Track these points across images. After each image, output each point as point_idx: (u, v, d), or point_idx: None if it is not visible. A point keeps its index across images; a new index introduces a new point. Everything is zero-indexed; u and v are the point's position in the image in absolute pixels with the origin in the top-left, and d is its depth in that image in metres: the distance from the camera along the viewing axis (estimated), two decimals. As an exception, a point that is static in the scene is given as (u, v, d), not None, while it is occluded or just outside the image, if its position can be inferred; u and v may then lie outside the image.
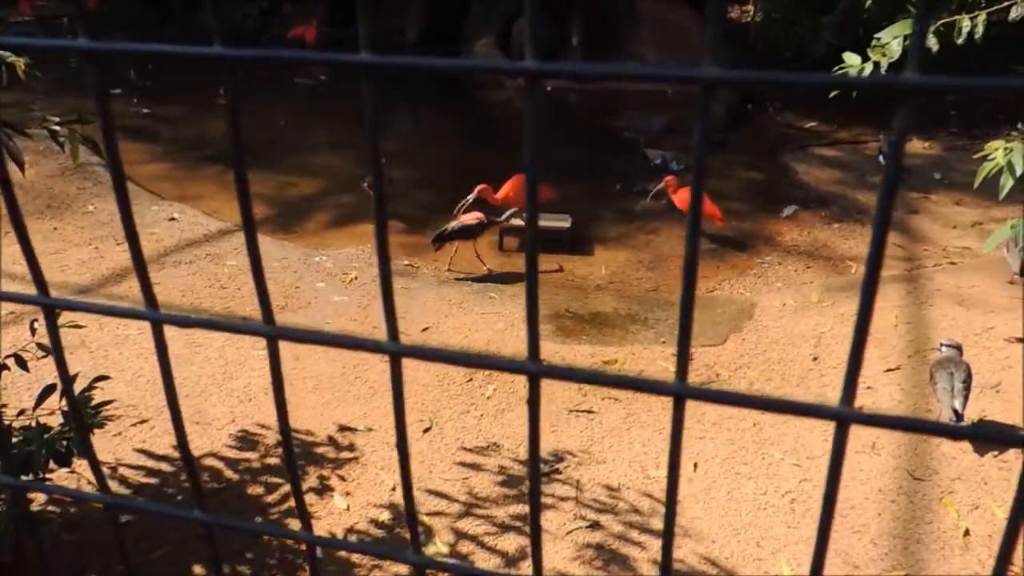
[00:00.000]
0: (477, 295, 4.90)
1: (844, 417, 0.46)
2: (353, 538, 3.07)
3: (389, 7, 8.94)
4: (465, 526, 3.15)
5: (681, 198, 5.34)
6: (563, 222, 5.43)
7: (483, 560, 3.00)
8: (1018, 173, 2.61)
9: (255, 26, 9.07)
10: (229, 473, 3.34)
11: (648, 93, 7.77)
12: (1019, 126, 2.60)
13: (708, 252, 5.43)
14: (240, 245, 5.29)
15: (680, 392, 0.52)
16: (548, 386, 4.06)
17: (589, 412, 3.84)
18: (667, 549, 0.57)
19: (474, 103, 8.41)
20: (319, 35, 8.63)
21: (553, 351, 4.33)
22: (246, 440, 3.54)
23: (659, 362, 4.24)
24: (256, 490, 3.25)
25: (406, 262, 5.23)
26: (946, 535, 3.11)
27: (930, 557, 3.02)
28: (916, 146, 6.99)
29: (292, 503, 3.24)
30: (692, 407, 3.87)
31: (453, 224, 5.04)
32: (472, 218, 5.04)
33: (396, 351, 0.55)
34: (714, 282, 5.09)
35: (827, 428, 3.69)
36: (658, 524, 3.19)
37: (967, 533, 3.12)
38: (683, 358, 0.52)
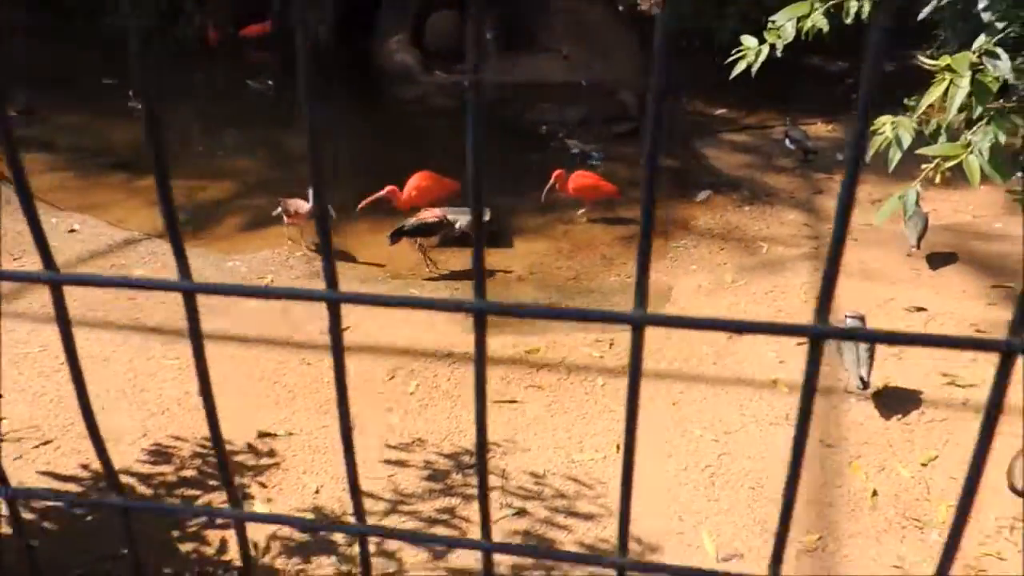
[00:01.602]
0: (399, 294, 4.86)
1: (819, 333, 0.46)
2: (276, 545, 3.01)
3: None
4: (391, 523, 3.12)
5: (574, 185, 5.41)
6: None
7: (411, 556, 2.98)
8: (905, 146, 2.74)
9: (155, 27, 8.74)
10: (143, 489, 3.23)
11: (562, 85, 7.84)
12: (905, 101, 2.72)
13: (625, 239, 5.52)
14: (148, 254, 5.11)
15: (638, 320, 0.51)
16: (472, 378, 4.06)
17: (513, 402, 3.86)
18: (625, 502, 0.57)
19: (386, 100, 8.33)
20: (221, 36, 8.41)
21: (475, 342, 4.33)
22: (160, 454, 3.43)
23: (582, 348, 4.28)
24: (172, 504, 3.15)
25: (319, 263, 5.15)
26: (856, 497, 3.25)
27: (842, 519, 3.15)
28: (820, 128, 7.25)
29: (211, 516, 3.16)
30: (613, 389, 3.94)
31: (411, 221, 5.03)
32: (432, 215, 5.04)
33: (335, 298, 0.54)
34: (631, 268, 5.17)
35: (744, 402, 3.80)
36: (584, 507, 3.23)
37: (875, 494, 3.26)
38: (642, 285, 0.51)
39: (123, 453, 3.38)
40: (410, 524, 3.11)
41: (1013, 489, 3.13)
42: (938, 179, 2.09)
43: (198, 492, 3.22)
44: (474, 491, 3.31)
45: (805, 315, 4.44)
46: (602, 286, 5.00)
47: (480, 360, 0.55)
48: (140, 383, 3.83)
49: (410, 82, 8.25)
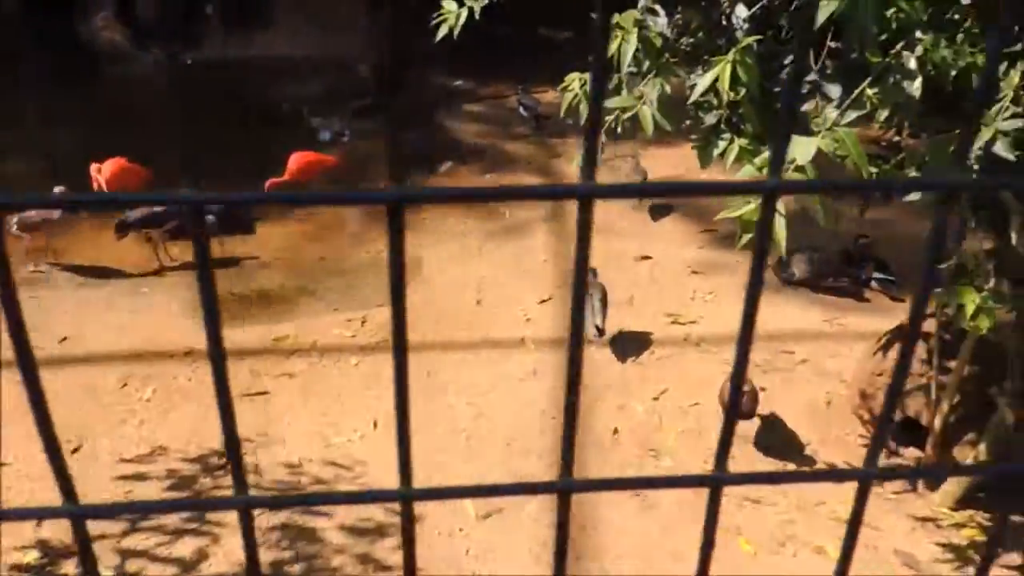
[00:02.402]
0: (128, 294, 4.45)
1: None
2: (-7, 591, 2.65)
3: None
4: (132, 542, 2.87)
5: (296, 167, 5.22)
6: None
7: (156, 571, 2.76)
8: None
9: None
10: None
11: (303, 61, 7.56)
12: (590, 59, 2.89)
13: (375, 213, 5.46)
14: None
15: (585, 191, 0.43)
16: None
17: (263, 394, 3.69)
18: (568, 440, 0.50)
19: (106, 80, 7.53)
20: None
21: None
22: None
23: (334, 330, 4.19)
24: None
25: (32, 268, 4.58)
26: (599, 436, 3.50)
27: (588, 458, 3.37)
28: (550, 95, 7.61)
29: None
30: (367, 367, 3.91)
31: (134, 212, 4.56)
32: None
33: None
34: (382, 243, 5.13)
35: (496, 363, 3.93)
36: (343, 489, 3.18)
37: (616, 431, 3.53)
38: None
39: None
40: (153, 539, 2.87)
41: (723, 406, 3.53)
42: (649, 134, 2.27)
43: None
44: (225, 492, 3.13)
45: (544, 275, 4.68)
46: (353, 264, 4.92)
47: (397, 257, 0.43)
48: None
49: (123, 61, 7.52)
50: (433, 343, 4.09)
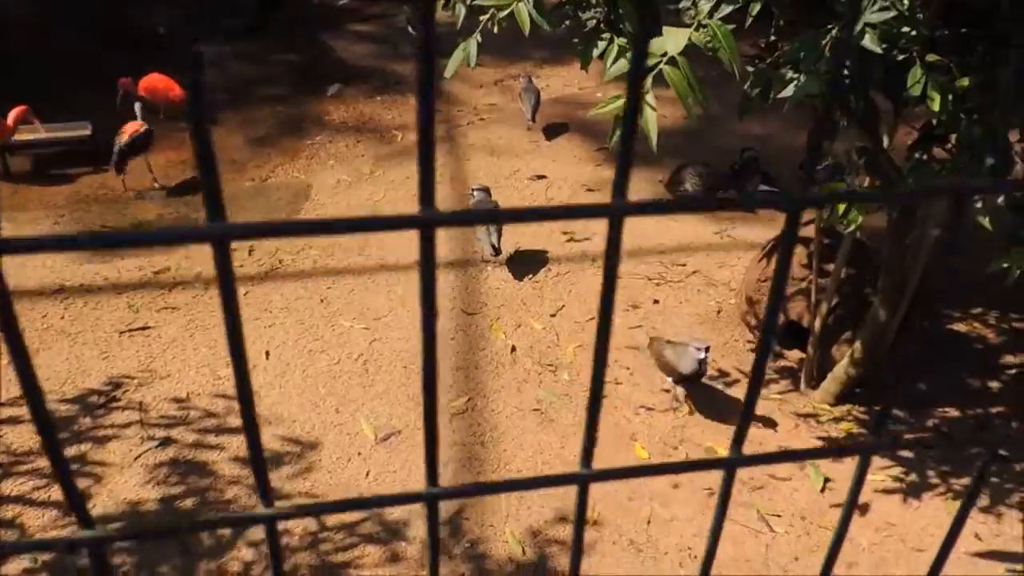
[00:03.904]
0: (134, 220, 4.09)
1: (428, 221, 0.35)
2: None
3: None
4: (7, 488, 2.70)
5: (144, 87, 4.87)
6: (83, 130, 4.75)
7: (34, 517, 2.61)
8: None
9: None
10: None
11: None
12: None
13: (258, 140, 5.20)
14: None
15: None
16: (94, 311, 3.61)
17: (145, 329, 3.50)
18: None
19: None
20: None
21: (93, 272, 3.83)
22: None
23: (219, 261, 3.99)
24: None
25: None
26: (498, 355, 3.50)
27: (486, 377, 3.38)
28: (441, 15, 7.36)
29: None
30: (256, 297, 3.75)
31: (119, 141, 4.36)
32: (132, 128, 4.39)
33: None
34: (267, 170, 4.90)
35: (391, 287, 3.85)
36: (235, 421, 3.07)
37: (514, 349, 3.53)
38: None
39: None
40: (30, 484, 2.71)
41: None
42: (526, 32, 2.18)
43: None
44: (109, 431, 2.98)
45: (442, 194, 4.58)
46: (236, 192, 4.67)
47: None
48: None
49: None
50: (326, 269, 3.96)
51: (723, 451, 3.05)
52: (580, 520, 0.47)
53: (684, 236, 4.29)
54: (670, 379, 3.12)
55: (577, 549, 0.49)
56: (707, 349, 2.97)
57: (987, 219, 2.14)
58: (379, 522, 2.71)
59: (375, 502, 0.43)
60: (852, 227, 2.17)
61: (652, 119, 1.57)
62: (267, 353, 3.39)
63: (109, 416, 3.05)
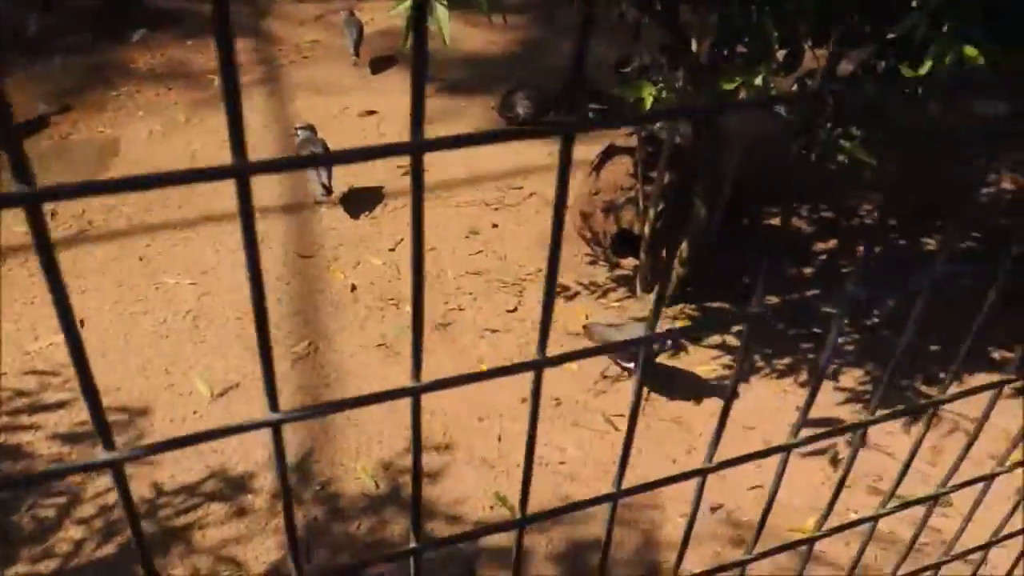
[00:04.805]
0: None
1: (240, 171, 0.35)
2: None
3: None
4: None
5: None
6: None
7: None
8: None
9: None
10: None
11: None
12: None
13: (55, 95, 4.72)
14: None
15: None
16: None
17: (-65, 310, 3.15)
18: None
19: None
20: None
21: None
22: None
23: (16, 228, 3.63)
24: None
25: None
26: (338, 296, 3.40)
27: (327, 318, 3.28)
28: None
29: None
30: (62, 265, 3.45)
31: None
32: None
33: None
34: (67, 127, 4.47)
35: (218, 239, 3.64)
36: (53, 396, 2.84)
37: (354, 288, 3.44)
38: None
39: None
40: None
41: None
42: None
43: None
44: (-100, 426, 2.68)
45: (265, 139, 4.35)
46: (34, 153, 4.24)
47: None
48: None
49: None
50: (144, 225, 3.69)
51: (572, 365, 3.12)
52: (416, 431, 0.48)
53: (519, 160, 4.28)
54: (626, 365, 3.00)
55: (417, 457, 0.49)
56: None
57: (783, 108, 2.23)
58: (222, 479, 2.60)
59: (219, 433, 0.42)
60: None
61: (444, 15, 1.51)
62: (82, 322, 3.14)
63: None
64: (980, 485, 0.72)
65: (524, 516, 0.51)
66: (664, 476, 0.57)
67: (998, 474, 0.69)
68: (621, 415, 2.89)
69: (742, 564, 0.66)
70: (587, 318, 3.30)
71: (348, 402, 0.45)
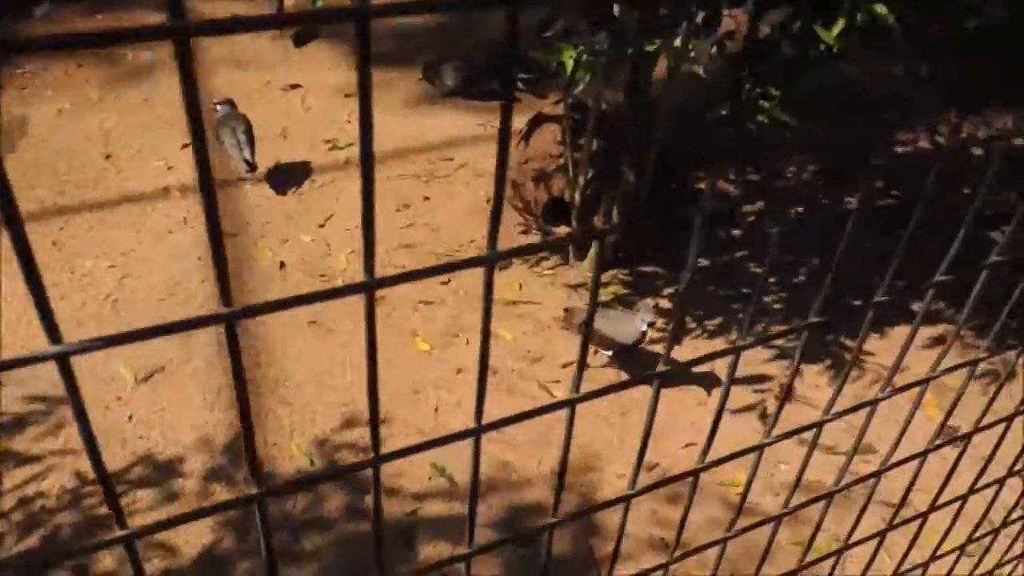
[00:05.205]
0: None
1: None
2: None
3: None
4: None
5: None
6: None
7: None
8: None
9: None
10: None
11: None
12: None
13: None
14: None
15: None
16: None
17: None
18: None
19: None
20: None
21: None
22: None
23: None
24: None
25: None
26: (266, 273, 3.32)
27: (255, 297, 3.19)
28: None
29: None
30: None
31: None
32: None
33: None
34: (-31, 107, 4.24)
35: (137, 219, 3.51)
36: (-36, 388, 2.70)
37: (283, 265, 3.36)
38: None
39: None
40: None
41: None
42: None
43: None
44: None
45: (183, 117, 4.19)
46: (-66, 137, 4.01)
47: None
48: None
49: None
50: (57, 208, 3.53)
51: (506, 334, 3.12)
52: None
53: (448, 131, 4.24)
54: (606, 353, 2.91)
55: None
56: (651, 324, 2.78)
57: (700, 68, 2.24)
58: (149, 464, 2.52)
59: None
60: (582, 87, 2.21)
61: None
62: (-10, 308, 2.99)
63: None
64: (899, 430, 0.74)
65: (480, 425, 0.51)
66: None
67: (883, 399, 0.71)
68: (557, 381, 2.90)
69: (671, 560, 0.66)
70: (520, 288, 3.30)
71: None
